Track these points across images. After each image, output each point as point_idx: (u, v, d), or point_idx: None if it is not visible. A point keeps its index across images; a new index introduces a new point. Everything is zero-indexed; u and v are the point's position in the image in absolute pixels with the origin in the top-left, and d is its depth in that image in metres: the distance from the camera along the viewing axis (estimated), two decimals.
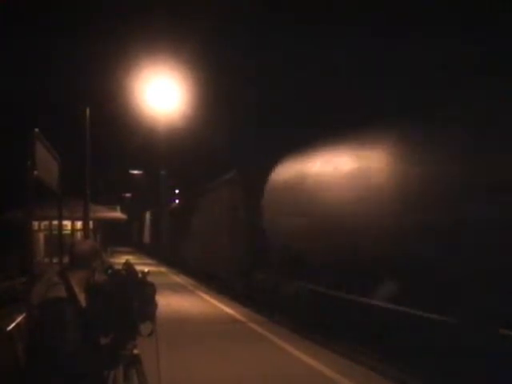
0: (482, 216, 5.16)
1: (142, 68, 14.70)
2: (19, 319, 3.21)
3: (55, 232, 16.94)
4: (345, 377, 5.97)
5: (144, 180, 50.12)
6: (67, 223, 19.11)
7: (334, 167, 8.42)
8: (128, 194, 57.29)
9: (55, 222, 16.45)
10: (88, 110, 13.91)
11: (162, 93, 14.79)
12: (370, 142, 7.49)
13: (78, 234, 19.06)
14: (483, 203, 5.20)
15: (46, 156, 7.58)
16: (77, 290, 3.03)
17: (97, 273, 3.20)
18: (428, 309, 5.87)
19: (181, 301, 13.24)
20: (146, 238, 44.20)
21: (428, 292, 5.97)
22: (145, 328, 3.24)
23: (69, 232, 19.28)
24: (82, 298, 3.06)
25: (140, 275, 3.33)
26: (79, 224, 18.94)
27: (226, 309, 11.70)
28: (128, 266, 3.36)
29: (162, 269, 26.71)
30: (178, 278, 21.11)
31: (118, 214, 28.40)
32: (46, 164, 7.53)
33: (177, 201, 39.42)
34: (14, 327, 3.19)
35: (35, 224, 20.63)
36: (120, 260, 20.33)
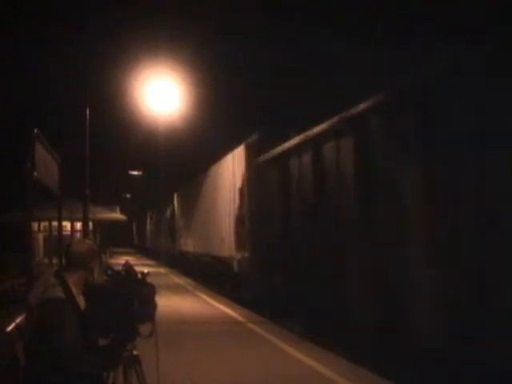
0: None
1: (142, 69, 14.72)
2: (19, 319, 3.22)
3: (55, 233, 16.95)
4: (344, 378, 5.99)
5: (144, 181, 50.12)
6: (67, 224, 19.11)
7: None
8: (128, 195, 57.27)
9: (55, 223, 16.45)
10: (88, 110, 13.92)
11: (161, 94, 14.80)
12: None
13: (78, 235, 19.06)
14: None
15: (46, 157, 7.58)
16: (74, 290, 3.02)
17: (96, 273, 3.20)
18: None
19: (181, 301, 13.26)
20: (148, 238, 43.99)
21: None
22: (144, 329, 3.24)
23: (68, 233, 19.27)
24: (80, 298, 3.05)
25: (140, 276, 3.34)
26: (79, 225, 18.94)
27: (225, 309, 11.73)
28: (128, 266, 3.36)
29: (162, 269, 26.72)
30: (178, 279, 21.11)
31: (117, 215, 28.38)
32: (46, 165, 7.53)
33: None
34: (13, 327, 3.19)
35: (35, 225, 20.66)
36: (119, 261, 20.32)
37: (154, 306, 3.28)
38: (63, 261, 3.49)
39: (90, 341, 3.01)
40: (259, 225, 11.62)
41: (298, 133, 9.33)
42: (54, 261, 13.47)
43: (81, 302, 3.05)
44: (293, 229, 9.64)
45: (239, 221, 12.73)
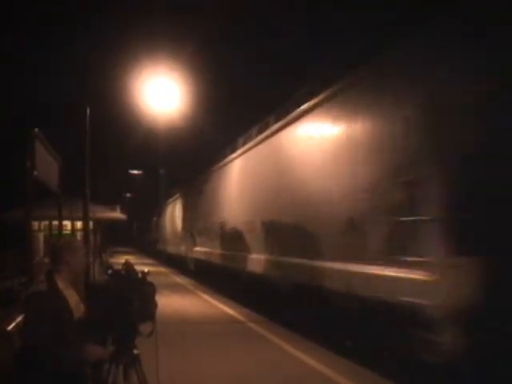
0: None
1: (141, 68, 14.71)
2: (19, 319, 3.22)
3: (55, 232, 16.91)
4: (345, 377, 5.98)
5: (143, 180, 50.15)
6: (67, 223, 19.09)
7: None
8: (128, 194, 57.30)
9: (55, 222, 16.43)
10: (88, 110, 13.90)
11: (161, 93, 14.79)
12: None
13: (78, 234, 19.05)
14: None
15: (46, 156, 7.56)
16: (62, 285, 3.03)
17: (96, 272, 3.22)
18: None
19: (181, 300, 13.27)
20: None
21: None
22: (145, 328, 3.24)
23: (69, 232, 19.25)
24: (68, 292, 3.05)
25: (140, 275, 3.34)
26: (79, 224, 18.91)
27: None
28: (128, 265, 3.36)
29: (162, 269, 26.72)
30: (178, 278, 21.11)
31: (118, 214, 28.29)
32: (46, 164, 7.52)
33: None
34: (13, 327, 3.19)
35: (35, 224, 20.62)
36: (120, 260, 20.31)
37: (154, 305, 3.28)
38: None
39: (84, 338, 3.00)
40: None
41: None
42: None
43: (70, 295, 3.04)
44: None
45: None
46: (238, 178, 13.46)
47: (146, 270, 3.39)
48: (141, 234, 53.76)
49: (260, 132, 11.55)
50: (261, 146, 11.44)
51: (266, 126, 11.10)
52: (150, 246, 42.90)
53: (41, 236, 21.00)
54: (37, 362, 2.79)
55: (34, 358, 2.80)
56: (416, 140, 5.59)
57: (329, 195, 7.56)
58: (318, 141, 8.20)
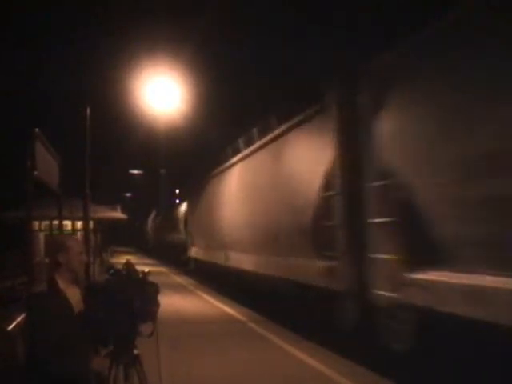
0: None
1: (142, 68, 14.73)
2: (19, 319, 3.21)
3: (56, 232, 16.91)
4: (345, 377, 5.98)
5: (144, 180, 50.15)
6: (67, 223, 19.08)
7: None
8: (128, 194, 57.35)
9: (56, 222, 16.44)
10: (88, 110, 13.89)
11: (161, 93, 14.80)
12: None
13: (78, 234, 19.05)
14: None
15: (46, 156, 7.57)
16: (63, 285, 3.02)
17: (96, 272, 3.22)
18: None
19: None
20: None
21: None
22: (146, 328, 3.23)
23: (69, 232, 19.24)
24: (70, 291, 3.04)
25: (141, 275, 3.33)
26: (79, 224, 18.92)
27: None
28: (129, 265, 3.35)
29: (163, 269, 26.73)
30: (179, 278, 21.11)
31: (118, 214, 28.27)
32: (46, 164, 7.53)
33: (177, 201, 39.29)
34: (14, 327, 3.19)
35: (35, 224, 20.63)
36: (121, 260, 20.33)
37: (156, 305, 3.27)
38: None
39: (86, 339, 2.99)
40: None
41: None
42: None
43: (72, 294, 3.03)
44: None
45: None
46: None
47: (146, 269, 3.39)
48: (142, 233, 53.51)
49: None
50: None
51: None
52: (173, 254, 26.28)
53: (41, 236, 21.00)
54: (39, 364, 2.79)
55: (36, 360, 2.80)
56: None
57: None
58: None
